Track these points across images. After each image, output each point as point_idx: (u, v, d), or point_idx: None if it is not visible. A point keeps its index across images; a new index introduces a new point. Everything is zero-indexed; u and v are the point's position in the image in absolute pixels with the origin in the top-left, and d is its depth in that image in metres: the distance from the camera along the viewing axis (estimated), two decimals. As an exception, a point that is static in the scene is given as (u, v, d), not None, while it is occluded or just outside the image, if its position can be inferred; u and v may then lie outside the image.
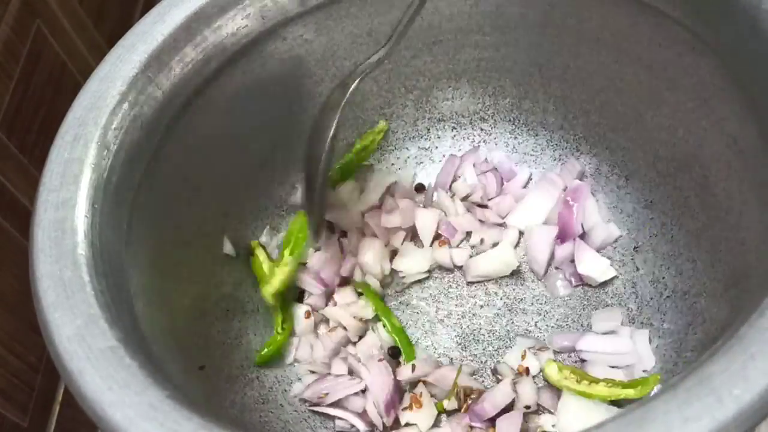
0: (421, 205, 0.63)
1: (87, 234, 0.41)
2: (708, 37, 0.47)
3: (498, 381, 0.55)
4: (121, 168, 0.46)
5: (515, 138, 0.64)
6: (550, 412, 0.53)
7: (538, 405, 0.54)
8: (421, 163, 0.65)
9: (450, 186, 0.64)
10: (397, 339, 0.57)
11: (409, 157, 0.65)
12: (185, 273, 0.53)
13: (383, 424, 0.53)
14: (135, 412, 0.34)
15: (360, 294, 0.59)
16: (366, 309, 0.58)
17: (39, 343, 0.39)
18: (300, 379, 0.57)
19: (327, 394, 0.54)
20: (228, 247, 0.57)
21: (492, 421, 0.52)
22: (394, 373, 0.54)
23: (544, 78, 0.60)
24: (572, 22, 0.55)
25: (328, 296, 0.60)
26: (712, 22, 0.47)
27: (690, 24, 0.48)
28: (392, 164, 0.65)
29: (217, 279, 0.56)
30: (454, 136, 0.65)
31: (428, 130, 0.65)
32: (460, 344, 0.58)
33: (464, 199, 0.63)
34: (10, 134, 0.55)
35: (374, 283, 0.59)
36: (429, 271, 0.61)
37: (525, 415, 0.53)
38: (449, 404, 0.53)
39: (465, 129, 0.65)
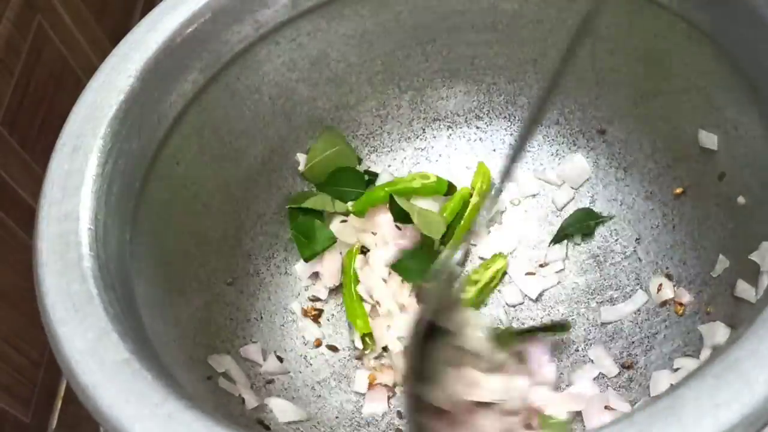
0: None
1: (92, 246, 0.41)
2: (705, 25, 0.47)
3: None
4: (121, 177, 0.45)
5: (511, 135, 0.64)
6: None
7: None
8: (418, 163, 0.65)
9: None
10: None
11: (405, 158, 0.65)
12: (188, 283, 0.53)
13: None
14: (155, 425, 0.34)
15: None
16: None
17: (41, 339, 0.39)
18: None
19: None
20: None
21: None
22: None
23: (539, 73, 0.60)
24: (566, 16, 0.56)
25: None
26: (708, 10, 0.47)
27: (686, 13, 0.48)
28: (388, 165, 0.65)
29: (219, 288, 0.56)
30: (450, 135, 0.65)
31: (424, 130, 0.65)
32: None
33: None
34: (11, 130, 0.55)
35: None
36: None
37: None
38: None
39: (460, 128, 0.65)
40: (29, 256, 0.41)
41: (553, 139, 0.63)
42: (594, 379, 0.54)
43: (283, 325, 0.59)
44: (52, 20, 0.61)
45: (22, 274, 0.52)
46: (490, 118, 0.64)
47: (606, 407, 0.51)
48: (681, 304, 0.54)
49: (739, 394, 0.29)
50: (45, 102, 0.59)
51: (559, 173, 0.62)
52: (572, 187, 0.61)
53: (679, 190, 0.56)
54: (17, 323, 0.54)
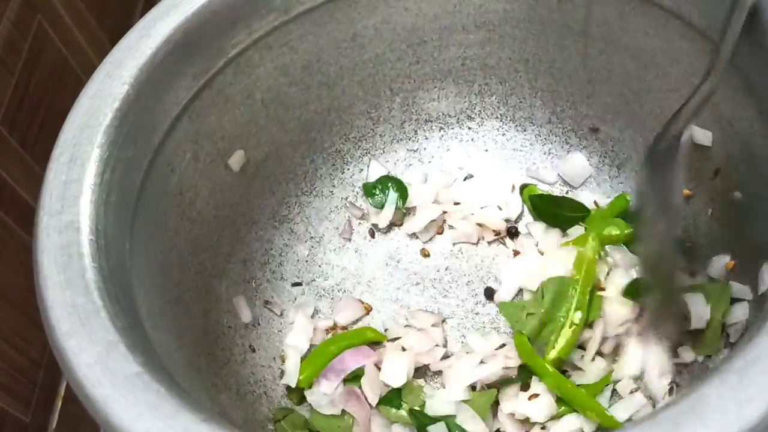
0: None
1: (95, 257, 0.40)
2: (698, 21, 0.48)
3: None
4: (118, 186, 0.44)
5: (503, 135, 0.64)
6: None
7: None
8: (411, 165, 0.65)
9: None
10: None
11: (397, 160, 0.65)
12: (185, 291, 0.52)
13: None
14: (170, 438, 0.33)
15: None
16: None
17: (41, 339, 0.38)
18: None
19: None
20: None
21: None
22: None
23: (530, 73, 0.60)
24: (556, 15, 0.56)
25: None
26: (701, 5, 0.47)
27: (679, 10, 0.49)
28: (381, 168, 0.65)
29: (216, 296, 0.55)
30: (442, 136, 0.65)
31: (416, 132, 0.65)
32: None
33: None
34: (11, 130, 0.55)
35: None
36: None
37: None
38: None
39: (452, 129, 0.65)
40: (29, 256, 0.40)
41: (545, 138, 0.63)
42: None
43: (280, 331, 0.59)
44: (52, 20, 0.61)
45: (22, 274, 0.52)
46: (482, 118, 0.64)
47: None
48: None
49: (762, 390, 0.30)
50: (45, 102, 0.59)
51: (560, 173, 0.62)
52: (573, 186, 0.62)
53: (688, 193, 0.56)
54: (17, 323, 0.54)
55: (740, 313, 0.48)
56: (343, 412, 0.52)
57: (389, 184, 0.63)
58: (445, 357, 0.56)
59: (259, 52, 0.53)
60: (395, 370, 0.53)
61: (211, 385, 0.50)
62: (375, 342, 0.57)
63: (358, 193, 0.64)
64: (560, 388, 0.51)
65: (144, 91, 0.47)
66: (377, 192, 0.63)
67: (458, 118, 0.64)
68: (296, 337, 0.57)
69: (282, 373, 0.56)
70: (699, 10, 0.47)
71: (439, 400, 0.52)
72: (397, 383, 0.53)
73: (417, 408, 0.52)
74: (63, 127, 0.45)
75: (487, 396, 0.52)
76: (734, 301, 0.49)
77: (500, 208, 0.62)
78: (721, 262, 0.51)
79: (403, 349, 0.55)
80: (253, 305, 0.58)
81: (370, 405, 0.53)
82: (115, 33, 0.68)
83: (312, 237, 0.63)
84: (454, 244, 0.62)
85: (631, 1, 0.51)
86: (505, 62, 0.60)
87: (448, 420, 0.52)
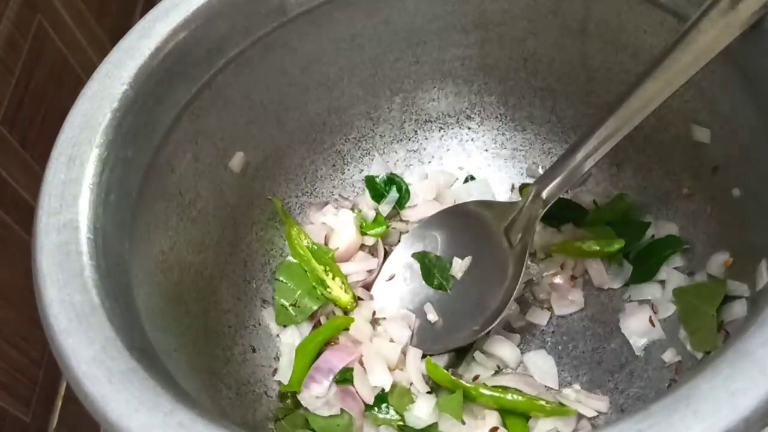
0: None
1: (92, 256, 0.40)
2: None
3: None
4: (117, 186, 0.44)
5: (503, 134, 0.64)
6: None
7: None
8: (410, 165, 0.65)
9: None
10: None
11: (398, 160, 0.65)
12: (185, 291, 0.52)
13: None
14: (166, 434, 0.33)
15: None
16: None
17: (41, 338, 0.38)
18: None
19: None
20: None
21: None
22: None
23: (529, 73, 0.60)
24: (555, 15, 0.56)
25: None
26: (699, 3, 0.47)
27: (677, 9, 0.49)
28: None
29: (216, 296, 0.55)
30: (442, 136, 0.65)
31: (415, 132, 0.65)
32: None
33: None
34: (11, 129, 0.55)
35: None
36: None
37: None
38: None
39: (452, 128, 0.65)
40: (29, 256, 0.40)
41: (545, 138, 0.63)
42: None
43: (279, 333, 0.59)
44: (52, 20, 0.61)
45: (22, 274, 0.52)
46: (482, 118, 0.64)
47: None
48: None
49: (755, 381, 0.30)
50: (45, 101, 0.59)
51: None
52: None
53: (673, 184, 0.56)
54: (17, 322, 0.54)
55: (738, 310, 0.48)
56: (342, 410, 0.52)
57: (393, 184, 0.63)
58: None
59: (258, 53, 0.54)
60: (378, 373, 0.54)
61: (211, 385, 0.50)
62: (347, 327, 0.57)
63: (358, 194, 0.64)
64: (498, 403, 0.51)
65: (143, 92, 0.47)
66: (380, 186, 0.63)
67: (458, 118, 0.64)
68: (291, 334, 0.57)
69: (275, 371, 0.56)
70: (695, 8, 0.47)
71: (419, 410, 0.52)
72: (384, 383, 0.53)
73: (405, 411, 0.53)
74: (62, 127, 0.45)
75: (456, 397, 0.51)
76: (733, 298, 0.49)
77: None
78: (720, 260, 0.51)
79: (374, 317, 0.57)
80: (254, 305, 0.58)
81: (365, 404, 0.53)
82: (115, 33, 0.69)
83: (312, 237, 0.63)
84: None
85: (629, 0, 0.51)
86: (504, 62, 0.61)
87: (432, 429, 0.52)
